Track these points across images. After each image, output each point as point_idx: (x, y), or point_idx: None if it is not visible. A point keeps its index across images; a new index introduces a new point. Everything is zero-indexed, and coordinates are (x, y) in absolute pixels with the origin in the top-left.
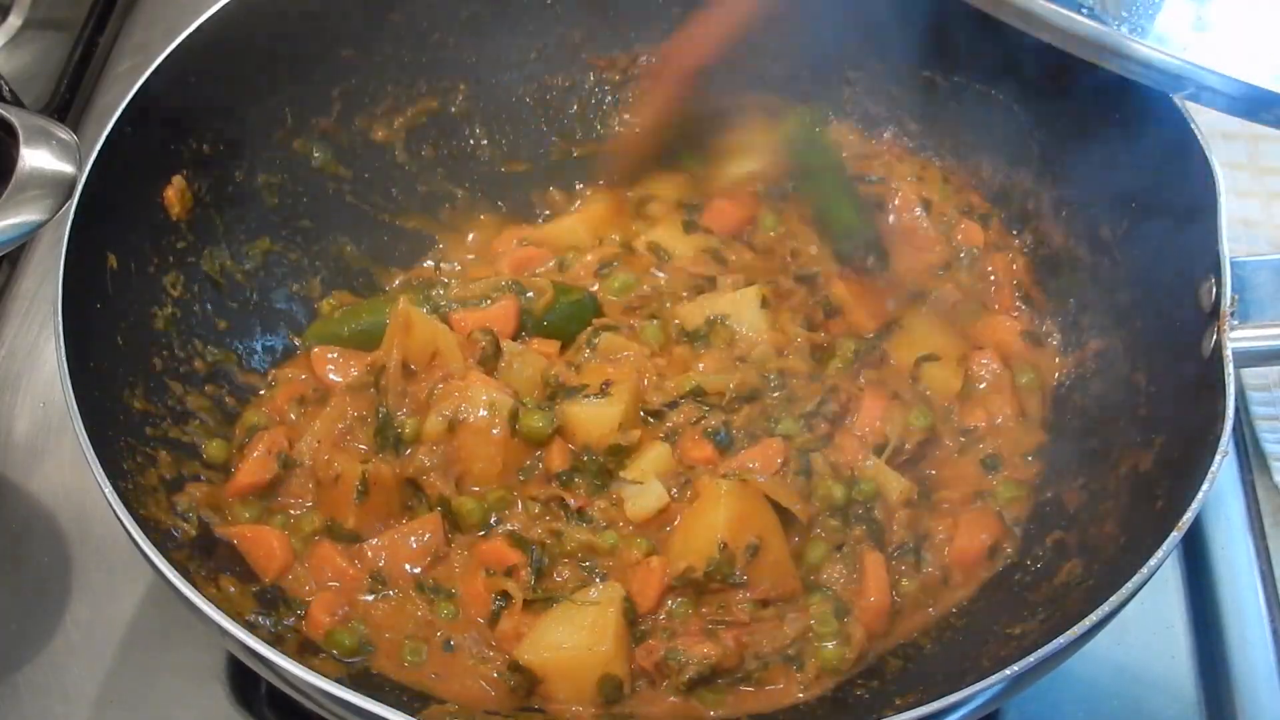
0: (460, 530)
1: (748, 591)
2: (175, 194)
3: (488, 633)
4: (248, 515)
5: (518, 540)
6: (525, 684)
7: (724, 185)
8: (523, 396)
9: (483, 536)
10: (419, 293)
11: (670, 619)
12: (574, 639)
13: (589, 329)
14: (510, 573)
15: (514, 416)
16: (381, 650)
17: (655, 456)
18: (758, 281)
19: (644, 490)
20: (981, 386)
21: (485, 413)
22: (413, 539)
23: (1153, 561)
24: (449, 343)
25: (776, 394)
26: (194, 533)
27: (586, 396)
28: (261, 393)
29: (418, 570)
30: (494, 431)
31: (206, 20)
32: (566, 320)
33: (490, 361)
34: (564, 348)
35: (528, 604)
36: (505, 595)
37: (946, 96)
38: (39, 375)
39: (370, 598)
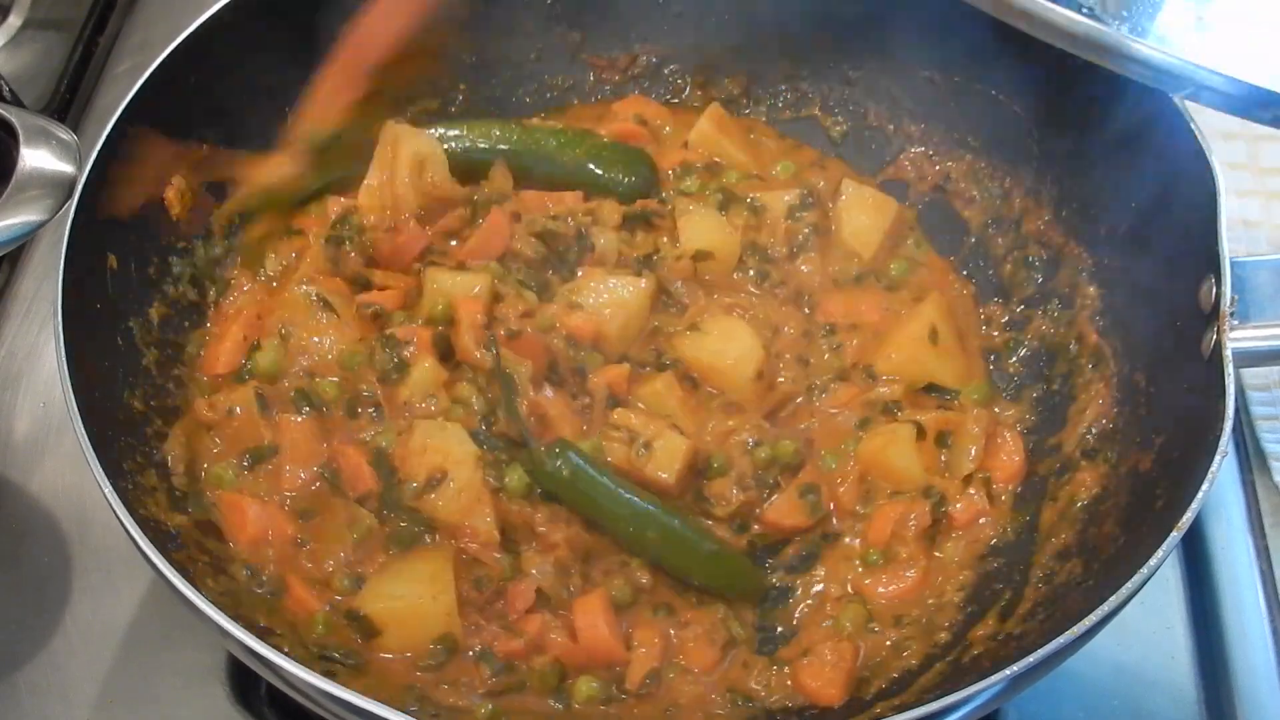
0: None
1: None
2: (175, 194)
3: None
4: (230, 475)
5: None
6: (363, 633)
7: None
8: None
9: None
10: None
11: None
12: (413, 588)
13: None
14: (363, 500)
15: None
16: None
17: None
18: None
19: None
20: None
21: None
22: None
23: (1153, 561)
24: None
25: None
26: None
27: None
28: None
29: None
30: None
31: (206, 20)
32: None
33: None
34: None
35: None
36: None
37: (946, 96)
38: (39, 375)
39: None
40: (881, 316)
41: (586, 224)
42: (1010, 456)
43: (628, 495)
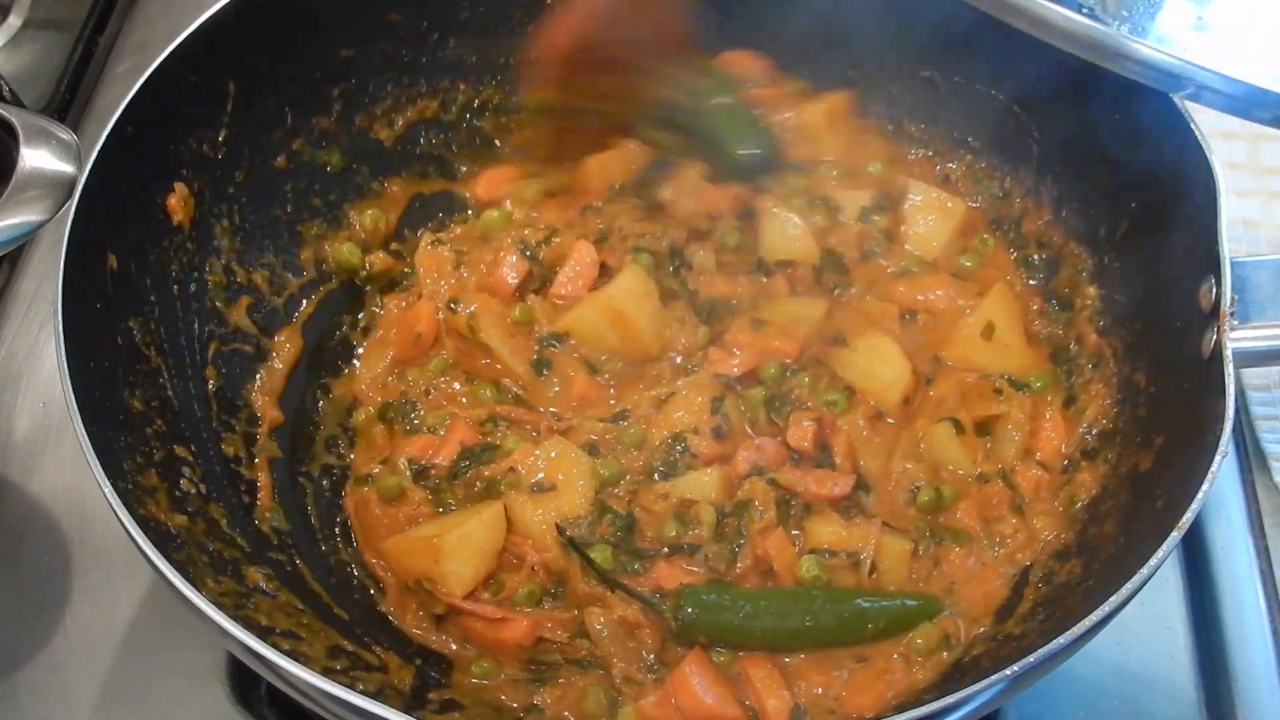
0: None
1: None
2: (178, 201)
3: None
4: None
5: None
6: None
7: None
8: None
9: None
10: None
11: None
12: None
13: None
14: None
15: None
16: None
17: None
18: None
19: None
20: None
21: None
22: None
23: (1153, 561)
24: None
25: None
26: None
27: None
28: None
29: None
30: None
31: (206, 20)
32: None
33: None
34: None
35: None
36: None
37: (946, 96)
38: (39, 375)
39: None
40: (948, 305)
41: (681, 239)
42: (1051, 435)
43: (766, 603)
